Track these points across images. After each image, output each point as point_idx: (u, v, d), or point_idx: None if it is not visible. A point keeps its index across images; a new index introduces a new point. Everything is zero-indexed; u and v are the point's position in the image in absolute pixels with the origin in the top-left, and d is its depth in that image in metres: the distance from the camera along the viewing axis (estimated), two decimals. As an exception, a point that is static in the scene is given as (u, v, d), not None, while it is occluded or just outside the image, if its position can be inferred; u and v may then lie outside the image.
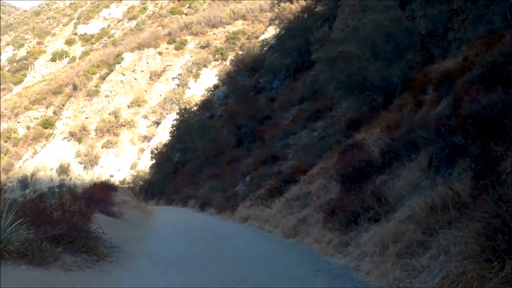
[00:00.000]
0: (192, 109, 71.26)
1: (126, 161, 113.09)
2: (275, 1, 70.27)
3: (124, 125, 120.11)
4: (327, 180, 21.05)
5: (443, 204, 10.14)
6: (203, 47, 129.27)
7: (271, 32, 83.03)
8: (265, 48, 75.60)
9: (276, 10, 67.03)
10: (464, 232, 8.72)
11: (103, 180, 46.42)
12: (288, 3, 65.36)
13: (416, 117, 17.36)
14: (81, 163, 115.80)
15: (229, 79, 71.77)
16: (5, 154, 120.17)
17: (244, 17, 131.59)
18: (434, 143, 12.78)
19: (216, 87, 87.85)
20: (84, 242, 13.71)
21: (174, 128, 70.23)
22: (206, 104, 76.95)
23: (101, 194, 28.96)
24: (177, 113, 72.30)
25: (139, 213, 31.95)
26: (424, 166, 12.96)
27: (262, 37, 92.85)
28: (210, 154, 52.87)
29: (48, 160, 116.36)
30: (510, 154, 9.48)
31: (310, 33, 45.29)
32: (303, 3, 62.71)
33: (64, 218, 14.07)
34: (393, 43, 23.71)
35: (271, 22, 75.17)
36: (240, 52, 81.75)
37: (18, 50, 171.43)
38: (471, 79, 13.43)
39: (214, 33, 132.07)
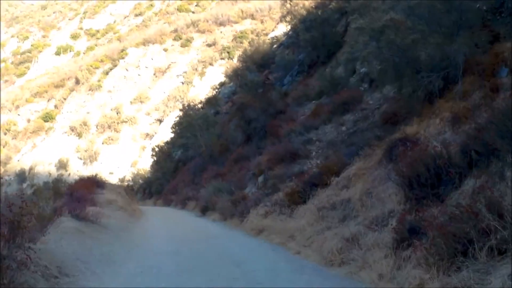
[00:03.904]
0: (196, 106, 68.08)
1: (126, 158, 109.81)
2: (287, -3, 67.48)
3: (125, 122, 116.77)
4: (371, 183, 16.64)
5: None
6: (209, 45, 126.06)
7: (281, 29, 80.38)
8: (275, 46, 72.53)
9: (288, 5, 64.21)
10: None
11: (90, 175, 42.16)
12: (301, -1, 62.56)
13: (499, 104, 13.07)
14: (80, 158, 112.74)
15: (236, 76, 68.59)
16: (4, 147, 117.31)
17: (252, 16, 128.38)
18: None
19: (222, 84, 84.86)
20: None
21: (176, 124, 67.17)
22: (211, 101, 73.86)
23: (82, 192, 25.12)
24: (180, 109, 69.23)
25: (125, 217, 27.47)
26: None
27: (272, 34, 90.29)
28: (215, 151, 49.17)
29: (47, 155, 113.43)
30: None
31: (327, 26, 42.81)
32: (317, -1, 59.86)
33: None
34: (455, 12, 19.12)
35: (282, 18, 72.07)
36: (249, 48, 78.39)
37: (23, 42, 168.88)
38: None
39: (221, 32, 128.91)
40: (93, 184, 32.60)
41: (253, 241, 19.99)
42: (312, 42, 47.07)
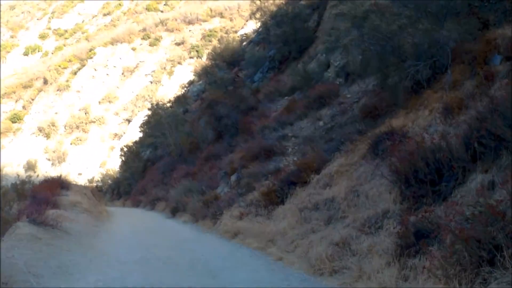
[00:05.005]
0: (165, 105, 67.07)
1: (95, 159, 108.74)
2: (257, -9, 66.74)
3: (94, 122, 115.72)
4: (357, 181, 15.47)
5: None
6: (178, 44, 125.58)
7: (251, 26, 79.84)
8: (245, 43, 71.84)
9: (258, 2, 63.41)
10: None
11: (54, 176, 40.45)
12: (271, -5, 61.82)
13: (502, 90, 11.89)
14: (49, 159, 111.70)
15: (205, 74, 67.66)
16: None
17: (221, 15, 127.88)
18: None
19: (191, 82, 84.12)
20: None
21: (145, 123, 66.10)
22: (180, 99, 72.76)
23: (45, 194, 23.50)
24: (149, 109, 68.31)
25: (90, 220, 25.25)
26: None
27: (241, 32, 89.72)
28: (184, 150, 48.05)
29: (15, 156, 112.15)
30: None
31: (299, 21, 42.32)
32: (288, -5, 59.14)
33: None
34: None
35: (251, 15, 71.30)
36: (218, 46, 77.60)
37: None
38: None
39: (190, 30, 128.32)
40: (57, 185, 30.35)
41: (228, 246, 18.32)
42: (283, 37, 46.36)
